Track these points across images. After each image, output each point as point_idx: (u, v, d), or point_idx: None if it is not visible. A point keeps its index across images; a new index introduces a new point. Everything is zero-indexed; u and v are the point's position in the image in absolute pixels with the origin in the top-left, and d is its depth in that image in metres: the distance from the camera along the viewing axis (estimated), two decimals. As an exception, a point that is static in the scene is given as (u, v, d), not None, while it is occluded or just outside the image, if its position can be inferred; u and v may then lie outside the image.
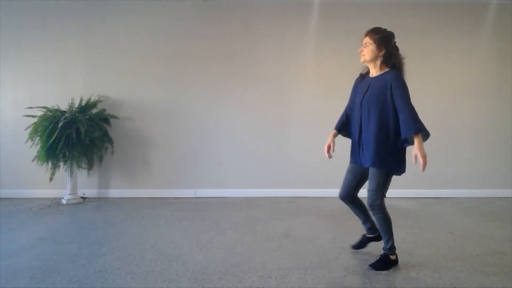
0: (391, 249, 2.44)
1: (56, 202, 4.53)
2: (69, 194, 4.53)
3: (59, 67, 4.86)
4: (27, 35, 4.85)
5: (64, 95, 4.74)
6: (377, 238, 2.68)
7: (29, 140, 4.42)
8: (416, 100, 5.16)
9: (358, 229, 3.31)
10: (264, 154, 4.89)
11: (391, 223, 2.44)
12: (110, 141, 4.74)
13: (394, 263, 2.46)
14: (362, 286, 2.16)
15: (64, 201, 4.49)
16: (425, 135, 2.30)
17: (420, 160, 2.19)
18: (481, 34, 4.89)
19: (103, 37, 4.88)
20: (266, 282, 2.21)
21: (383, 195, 2.43)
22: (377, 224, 2.48)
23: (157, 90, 4.89)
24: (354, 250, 2.75)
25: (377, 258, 2.47)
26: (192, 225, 3.50)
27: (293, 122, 4.89)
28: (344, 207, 4.09)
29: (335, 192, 4.82)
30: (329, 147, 2.65)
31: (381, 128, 2.36)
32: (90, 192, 4.86)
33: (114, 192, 4.89)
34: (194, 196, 4.87)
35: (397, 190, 4.83)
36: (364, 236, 2.75)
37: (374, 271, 2.38)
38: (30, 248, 2.84)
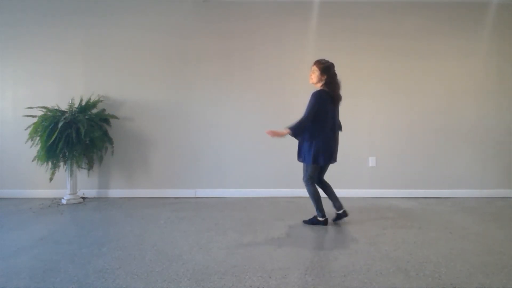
0: (318, 211, 3.45)
1: (56, 202, 4.53)
2: (69, 194, 4.53)
3: (59, 67, 4.87)
4: (27, 34, 4.86)
5: (64, 95, 4.74)
6: (342, 215, 3.49)
7: (29, 140, 4.42)
8: (416, 100, 5.21)
9: (358, 229, 3.32)
10: (264, 154, 4.89)
11: (316, 195, 3.43)
12: (110, 141, 4.74)
13: (320, 223, 3.43)
14: (362, 286, 2.16)
15: (64, 201, 4.49)
16: (293, 133, 3.27)
17: (273, 132, 3.22)
18: (481, 34, 4.89)
19: (103, 37, 4.88)
20: (266, 282, 2.21)
21: (311, 177, 3.40)
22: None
23: (157, 90, 4.89)
24: (334, 223, 3.49)
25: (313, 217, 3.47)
26: (192, 225, 3.50)
27: (293, 121, 4.88)
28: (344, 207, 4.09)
29: (335, 192, 4.84)
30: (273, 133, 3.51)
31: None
32: (90, 192, 4.86)
33: (114, 192, 4.89)
34: (194, 196, 4.87)
35: (397, 190, 4.87)
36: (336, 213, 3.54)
37: (374, 271, 2.38)
38: (30, 248, 2.84)
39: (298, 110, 4.87)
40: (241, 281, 2.23)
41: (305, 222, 3.50)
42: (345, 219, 3.54)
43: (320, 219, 3.44)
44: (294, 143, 4.85)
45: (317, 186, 3.48)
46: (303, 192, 4.91)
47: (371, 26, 4.86)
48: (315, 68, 3.33)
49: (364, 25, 4.86)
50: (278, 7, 4.89)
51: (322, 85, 3.32)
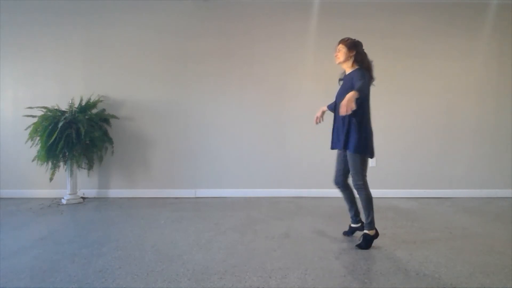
0: (371, 224, 2.81)
1: (56, 202, 4.53)
2: (69, 194, 4.53)
3: (59, 67, 4.87)
4: (27, 34, 4.86)
5: (64, 95, 4.74)
6: (360, 228, 3.03)
7: (29, 140, 4.42)
8: (416, 100, 5.20)
9: (358, 229, 3.32)
10: (264, 154, 4.89)
11: (372, 201, 2.83)
12: (110, 141, 4.74)
13: (374, 237, 2.84)
14: (362, 286, 2.16)
15: (64, 201, 4.49)
16: (361, 95, 2.56)
17: (344, 102, 2.44)
18: (481, 34, 4.89)
19: (103, 37, 4.88)
20: (266, 282, 2.21)
21: (364, 175, 2.82)
22: (360, 201, 2.86)
23: (157, 90, 4.89)
24: (345, 236, 3.12)
25: (360, 239, 2.85)
26: (192, 225, 3.50)
27: (293, 121, 4.89)
28: (344, 207, 4.08)
29: (335, 192, 4.82)
30: (317, 117, 3.20)
31: (347, 117, 2.75)
32: (90, 192, 4.86)
33: (114, 192, 4.89)
34: (194, 196, 4.87)
35: (397, 190, 4.87)
36: (350, 225, 3.13)
37: (374, 271, 2.38)
38: (30, 248, 2.84)
39: (298, 110, 4.92)
40: (241, 281, 2.23)
41: (360, 246, 2.80)
42: (345, 219, 3.53)
43: (371, 232, 2.84)
44: (294, 143, 4.86)
45: (348, 191, 3.01)
46: (303, 192, 4.95)
47: (371, 26, 4.86)
48: (341, 46, 2.89)
49: (364, 25, 4.85)
50: (278, 7, 4.89)
51: (353, 63, 2.85)
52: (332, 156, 5.07)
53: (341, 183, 3.00)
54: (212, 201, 4.61)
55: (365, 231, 2.83)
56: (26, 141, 4.45)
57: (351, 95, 2.44)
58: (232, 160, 4.90)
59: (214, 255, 2.68)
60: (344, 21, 4.87)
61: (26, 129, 4.47)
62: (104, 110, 4.80)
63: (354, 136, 2.73)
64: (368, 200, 2.80)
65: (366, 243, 2.80)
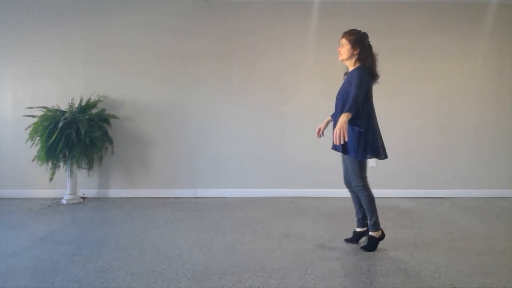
0: (375, 225, 2.73)
1: (56, 202, 4.53)
2: (69, 194, 4.53)
3: (59, 67, 4.87)
4: (27, 34, 4.85)
5: (64, 95, 4.74)
6: (366, 233, 2.88)
7: (29, 140, 4.42)
8: (416, 100, 5.20)
9: (358, 229, 3.32)
10: (264, 154, 4.89)
11: (374, 201, 2.75)
12: (110, 141, 4.74)
13: (380, 239, 2.77)
14: (362, 286, 2.16)
15: (64, 201, 4.49)
16: (355, 121, 2.59)
17: (336, 131, 2.44)
18: (481, 34, 4.89)
19: (103, 37, 4.88)
20: (266, 282, 2.21)
21: (363, 177, 2.75)
22: (362, 203, 2.78)
23: (157, 90, 4.89)
24: (348, 243, 2.94)
25: (365, 242, 2.79)
26: (192, 225, 3.50)
27: (293, 121, 4.89)
28: (344, 207, 4.09)
29: (335, 192, 4.83)
30: (319, 129, 3.05)
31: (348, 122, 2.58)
32: (90, 192, 4.86)
33: (114, 192, 4.89)
34: (194, 196, 4.87)
35: (397, 190, 4.87)
36: (354, 231, 2.97)
37: (374, 271, 2.38)
38: (30, 248, 2.84)
39: (298, 110, 4.92)
40: (241, 281, 2.23)
41: (365, 248, 2.76)
42: (345, 219, 3.53)
43: (377, 234, 2.79)
44: (294, 143, 4.87)
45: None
46: (303, 192, 4.94)
47: (371, 26, 4.80)
48: (344, 41, 2.73)
49: (364, 25, 4.81)
50: (278, 7, 4.89)
51: (355, 61, 2.73)
52: (332, 156, 5.06)
53: (350, 183, 2.86)
54: (212, 201, 4.61)
55: (370, 233, 2.77)
56: (26, 141, 4.44)
57: (343, 123, 2.44)
58: (232, 160, 4.90)
59: (214, 255, 2.68)
60: (344, 21, 4.83)
61: (26, 129, 4.46)
62: (104, 110, 4.79)
63: (352, 142, 2.63)
64: (370, 201, 2.72)
65: (371, 245, 2.74)
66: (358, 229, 2.93)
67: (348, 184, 2.89)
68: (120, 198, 4.79)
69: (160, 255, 2.68)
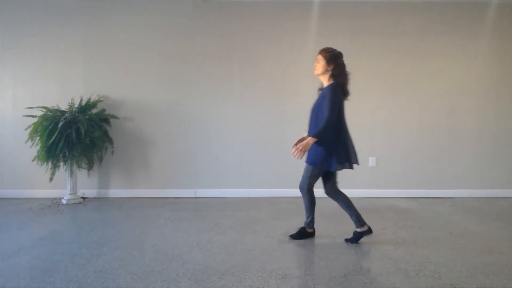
0: (312, 222, 3.08)
1: (56, 202, 4.53)
2: (69, 194, 4.53)
3: (59, 67, 4.87)
4: (26, 34, 4.85)
5: (64, 95, 4.74)
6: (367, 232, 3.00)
7: (29, 140, 4.42)
8: (416, 100, 5.20)
9: (358, 229, 3.32)
10: (264, 154, 4.89)
11: (315, 204, 3.09)
12: (110, 141, 4.74)
13: (309, 234, 3.09)
14: (362, 286, 2.16)
15: (64, 201, 4.49)
16: (319, 143, 2.80)
17: (298, 147, 2.73)
18: (481, 34, 4.89)
19: (103, 37, 4.88)
20: (266, 282, 2.21)
21: (311, 183, 3.00)
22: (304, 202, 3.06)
23: (157, 90, 4.89)
24: (348, 243, 2.98)
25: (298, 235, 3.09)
26: (192, 225, 3.50)
27: (293, 121, 4.88)
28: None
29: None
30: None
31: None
32: (90, 192, 4.86)
33: (114, 192, 4.89)
34: (194, 196, 4.87)
35: (397, 190, 4.87)
36: (355, 231, 3.03)
37: (374, 271, 2.38)
38: (30, 248, 2.84)
39: (298, 110, 4.91)
40: (241, 281, 2.23)
41: (293, 236, 3.10)
42: (345, 219, 3.52)
43: (309, 230, 3.14)
44: (294, 142, 4.82)
45: (341, 196, 3.03)
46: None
47: (371, 26, 4.86)
48: (320, 57, 2.93)
49: (364, 25, 4.86)
50: (278, 7, 4.89)
51: (329, 77, 2.92)
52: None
53: (330, 191, 3.02)
54: (212, 201, 4.61)
55: (304, 228, 3.10)
56: (26, 141, 4.45)
57: (306, 145, 2.71)
58: (232, 160, 4.90)
59: (214, 255, 2.68)
60: (344, 21, 4.87)
61: (26, 129, 4.47)
62: (104, 110, 4.79)
63: (319, 153, 2.83)
64: (311, 201, 3.06)
65: (299, 235, 3.07)
66: (360, 230, 2.96)
67: (328, 194, 3.06)
68: (120, 198, 4.80)
69: (160, 255, 2.68)
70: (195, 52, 4.88)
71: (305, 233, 3.10)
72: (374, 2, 4.87)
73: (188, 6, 4.88)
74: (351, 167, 2.91)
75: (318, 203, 4.39)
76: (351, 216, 2.94)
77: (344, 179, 4.84)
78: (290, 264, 2.51)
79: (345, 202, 2.96)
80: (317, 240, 3.06)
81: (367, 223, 2.94)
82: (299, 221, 3.60)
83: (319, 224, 3.51)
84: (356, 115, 4.84)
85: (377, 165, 4.88)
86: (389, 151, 4.88)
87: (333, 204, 4.32)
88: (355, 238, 2.95)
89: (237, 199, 4.68)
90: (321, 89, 3.02)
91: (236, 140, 4.90)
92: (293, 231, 3.17)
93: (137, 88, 4.89)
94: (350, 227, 3.29)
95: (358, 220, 2.92)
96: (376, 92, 4.88)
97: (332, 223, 3.57)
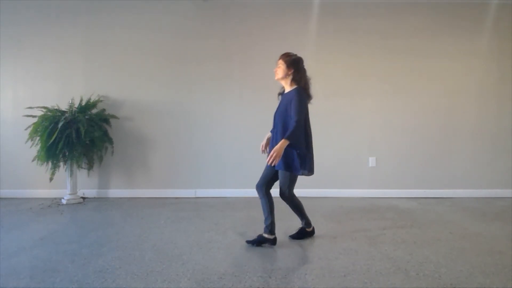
0: (269, 227, 2.89)
1: (56, 202, 4.53)
2: (69, 194, 4.53)
3: (59, 67, 4.87)
4: (27, 34, 4.86)
5: (64, 95, 4.74)
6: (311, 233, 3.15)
7: (29, 140, 4.42)
8: (416, 100, 5.20)
9: (358, 229, 3.32)
10: (264, 154, 4.88)
11: (302, 206, 3.10)
12: (110, 141, 4.74)
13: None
14: (362, 286, 2.16)
15: (64, 201, 4.49)
16: (293, 146, 2.73)
17: (272, 154, 2.65)
18: (481, 34, 4.89)
19: (103, 37, 4.88)
20: (266, 282, 2.21)
21: (291, 189, 2.95)
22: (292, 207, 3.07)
23: (157, 90, 4.89)
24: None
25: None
26: (192, 225, 3.50)
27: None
28: (344, 207, 4.09)
29: (335, 192, 4.84)
30: (262, 146, 3.20)
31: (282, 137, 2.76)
32: (90, 192, 4.86)
33: (114, 192, 4.89)
34: (194, 196, 4.87)
35: (397, 190, 4.87)
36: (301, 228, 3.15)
37: (374, 271, 2.38)
38: (30, 248, 2.84)
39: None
40: (241, 281, 2.23)
41: (293, 237, 3.08)
42: (345, 219, 3.52)
43: (308, 229, 3.13)
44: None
45: (267, 198, 2.94)
46: (303, 192, 4.90)
47: (371, 26, 4.86)
48: (280, 62, 2.91)
49: (364, 25, 4.86)
50: (278, 7, 4.89)
51: (291, 82, 2.90)
52: (332, 157, 5.07)
53: (264, 188, 2.94)
54: (212, 201, 4.61)
55: (303, 228, 3.10)
56: (26, 141, 4.45)
57: (280, 149, 2.64)
58: (232, 160, 4.90)
59: (214, 255, 2.68)
60: (344, 21, 4.87)
61: (26, 129, 4.47)
62: (104, 110, 4.79)
63: (294, 159, 2.77)
64: (299, 205, 3.07)
65: (299, 236, 3.08)
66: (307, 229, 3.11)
67: (260, 188, 2.94)
68: (120, 198, 4.80)
69: (160, 255, 2.68)
70: (195, 52, 4.88)
71: (305, 233, 3.11)
72: (374, 2, 4.87)
73: (188, 7, 4.88)
74: (312, 174, 2.90)
75: (318, 203, 4.42)
76: (266, 219, 2.89)
77: (344, 179, 4.88)
78: (290, 264, 2.51)
79: (268, 205, 2.91)
80: (317, 240, 3.05)
81: (367, 223, 2.95)
82: (299, 221, 3.60)
83: (319, 224, 3.51)
84: (356, 115, 4.85)
85: (377, 165, 4.87)
86: (389, 151, 4.88)
87: (333, 204, 4.35)
88: (258, 241, 2.89)
89: (237, 199, 4.68)
90: (281, 93, 3.03)
91: (236, 140, 4.90)
92: (293, 231, 3.16)
93: (137, 88, 4.89)
94: (350, 227, 3.30)
95: (269, 227, 2.87)
96: (376, 92, 4.88)
97: (332, 223, 3.56)
